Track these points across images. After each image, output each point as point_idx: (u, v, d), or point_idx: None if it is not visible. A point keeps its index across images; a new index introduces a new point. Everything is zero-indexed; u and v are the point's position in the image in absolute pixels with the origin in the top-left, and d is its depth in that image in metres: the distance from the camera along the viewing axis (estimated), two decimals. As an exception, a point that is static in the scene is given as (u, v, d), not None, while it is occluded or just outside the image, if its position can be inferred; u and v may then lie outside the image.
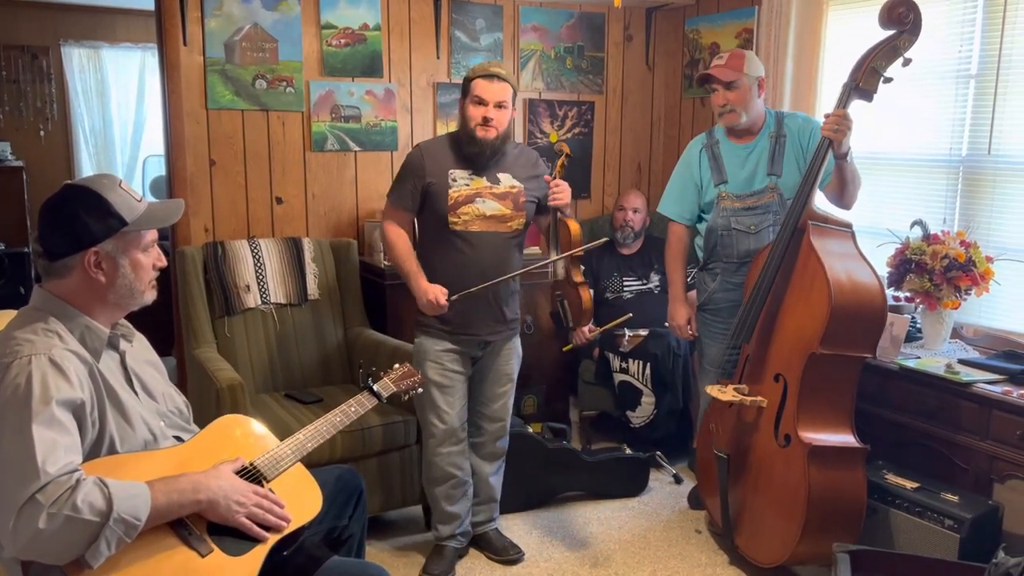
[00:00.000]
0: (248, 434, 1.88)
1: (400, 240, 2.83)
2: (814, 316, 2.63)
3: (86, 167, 7.57)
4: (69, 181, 1.71)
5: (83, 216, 1.65)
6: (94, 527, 1.47)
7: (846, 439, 2.67)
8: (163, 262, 1.79)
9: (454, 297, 2.68)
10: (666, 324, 3.36)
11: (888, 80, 2.67)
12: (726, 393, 2.83)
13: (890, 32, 2.64)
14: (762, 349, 2.85)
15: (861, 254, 2.73)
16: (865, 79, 2.65)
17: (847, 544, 2.36)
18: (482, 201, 2.75)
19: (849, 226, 2.77)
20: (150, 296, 1.78)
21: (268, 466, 1.81)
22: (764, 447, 2.79)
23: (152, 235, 1.76)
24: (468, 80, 2.74)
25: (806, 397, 2.66)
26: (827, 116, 2.70)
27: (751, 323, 2.84)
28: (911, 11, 2.59)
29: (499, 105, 2.69)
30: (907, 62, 2.65)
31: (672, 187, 3.23)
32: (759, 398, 2.79)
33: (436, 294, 2.69)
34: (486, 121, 2.68)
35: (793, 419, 2.67)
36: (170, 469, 1.66)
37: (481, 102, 2.69)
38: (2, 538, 1.51)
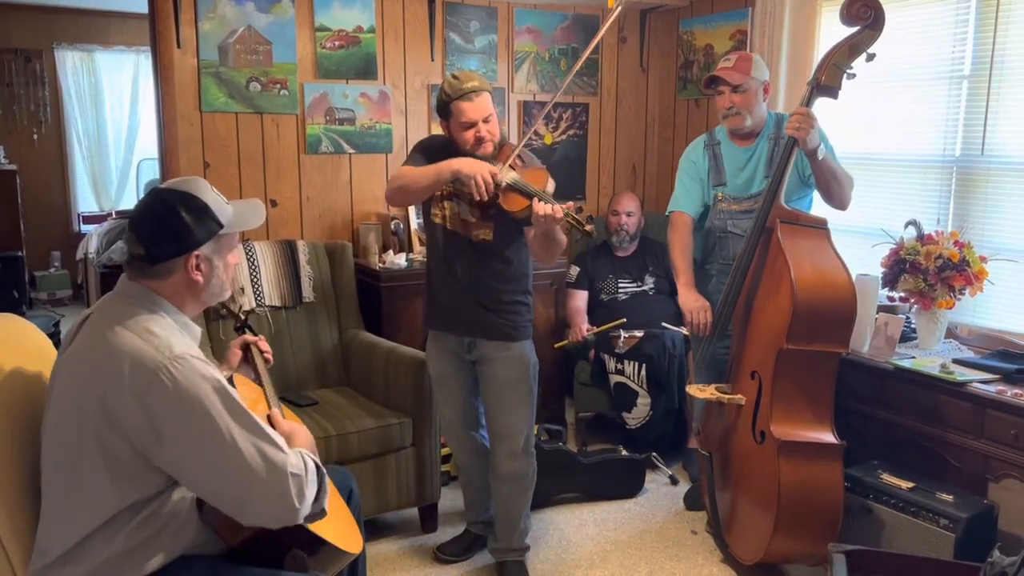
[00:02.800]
0: (247, 383, 2.08)
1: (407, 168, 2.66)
2: (781, 312, 2.65)
3: (80, 170, 7.57)
4: (160, 186, 1.76)
5: (186, 220, 1.68)
6: (321, 485, 1.70)
7: (820, 436, 2.67)
8: (239, 259, 1.86)
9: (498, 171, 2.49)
10: (681, 307, 3.15)
11: (851, 76, 2.69)
12: (705, 392, 2.86)
13: (851, 29, 2.67)
14: (740, 347, 2.89)
15: (834, 250, 2.72)
16: (827, 77, 2.68)
17: (842, 544, 2.36)
18: (457, 203, 2.70)
19: (823, 223, 2.76)
20: (228, 292, 1.86)
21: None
22: (744, 445, 2.82)
23: (238, 234, 1.83)
24: (446, 103, 2.60)
25: (779, 394, 2.67)
26: (791, 115, 2.73)
27: (724, 321, 2.90)
28: (870, 7, 2.62)
29: (486, 120, 2.60)
30: (871, 58, 2.68)
31: (679, 187, 3.23)
32: (738, 396, 2.82)
33: (477, 170, 2.46)
34: (480, 141, 2.60)
35: (767, 416, 2.68)
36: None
37: (470, 125, 2.58)
38: (255, 512, 1.62)
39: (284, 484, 1.60)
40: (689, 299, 3.10)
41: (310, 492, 1.65)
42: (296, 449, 1.71)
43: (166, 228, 1.68)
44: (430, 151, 2.70)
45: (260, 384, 2.06)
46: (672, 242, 3.21)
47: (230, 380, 1.99)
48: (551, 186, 2.59)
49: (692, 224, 3.18)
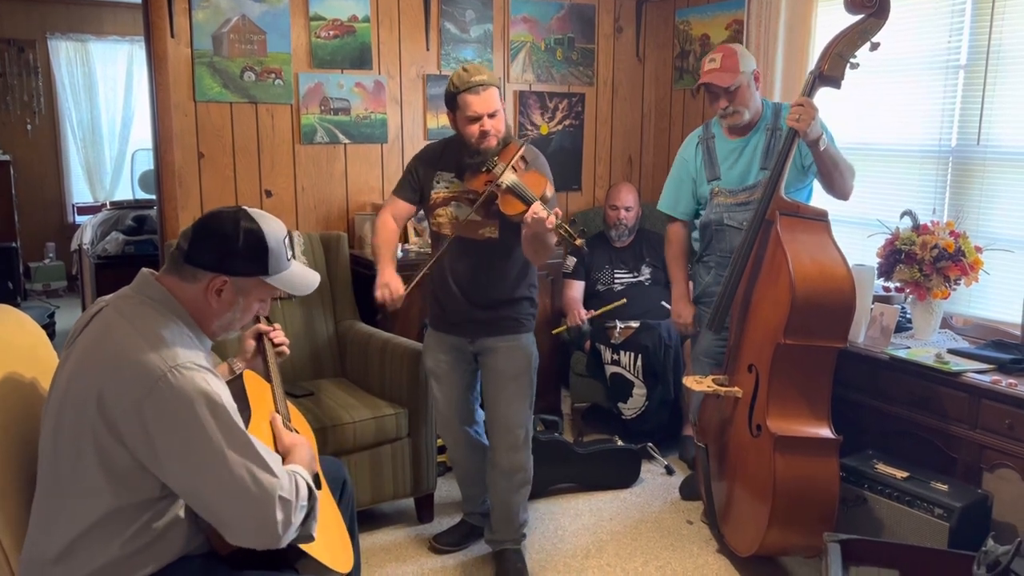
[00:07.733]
0: (256, 380, 2.06)
1: (383, 227, 2.81)
2: (779, 306, 2.63)
3: (74, 161, 7.55)
4: (246, 208, 1.75)
5: (238, 248, 1.68)
6: (311, 511, 1.69)
7: (817, 431, 2.66)
8: (266, 311, 1.87)
9: (403, 291, 2.64)
10: (672, 320, 3.38)
11: (855, 66, 2.65)
12: (702, 383, 2.85)
13: (856, 17, 2.63)
14: (738, 340, 2.87)
15: (834, 244, 2.69)
16: (830, 66, 2.64)
17: (837, 534, 2.37)
18: (456, 205, 2.71)
19: (823, 215, 2.73)
20: (236, 333, 1.87)
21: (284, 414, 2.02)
22: (740, 437, 2.81)
23: (275, 292, 1.82)
24: (453, 95, 2.61)
25: (776, 388, 2.66)
26: (791, 105, 2.69)
27: (722, 312, 2.88)
28: None
29: (492, 114, 2.60)
30: (875, 47, 2.63)
31: (669, 184, 3.21)
32: (735, 388, 2.81)
33: (385, 287, 2.64)
34: (484, 135, 2.60)
35: (764, 409, 2.67)
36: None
37: (475, 118, 2.59)
38: (238, 533, 1.60)
39: (270, 509, 1.58)
40: (674, 310, 3.27)
41: (297, 518, 1.63)
42: (291, 468, 1.68)
43: (216, 242, 1.68)
44: (415, 172, 2.80)
45: (269, 380, 2.04)
46: (667, 255, 3.31)
47: (239, 377, 1.99)
48: (550, 192, 2.59)
49: (685, 230, 3.21)
